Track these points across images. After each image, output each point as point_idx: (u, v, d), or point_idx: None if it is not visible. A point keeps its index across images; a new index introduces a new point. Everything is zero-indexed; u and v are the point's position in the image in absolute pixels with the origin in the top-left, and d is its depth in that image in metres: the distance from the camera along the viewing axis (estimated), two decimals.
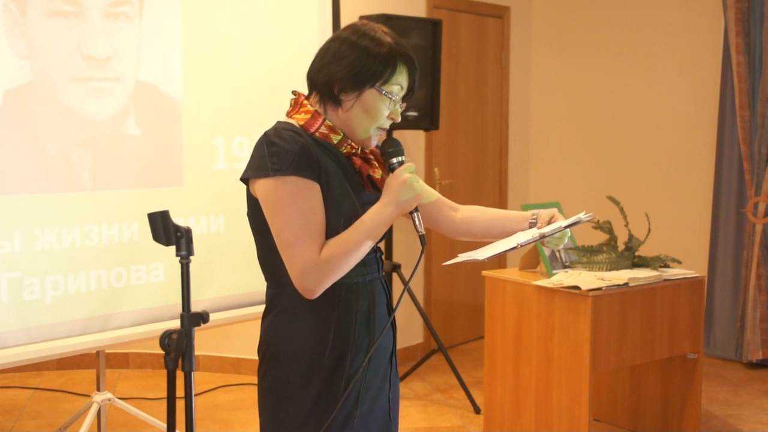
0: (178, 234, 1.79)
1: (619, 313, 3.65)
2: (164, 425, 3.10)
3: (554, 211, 2.03)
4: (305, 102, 1.95)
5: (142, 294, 3.56)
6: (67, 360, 4.98)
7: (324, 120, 1.91)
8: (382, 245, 2.05)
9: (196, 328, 1.83)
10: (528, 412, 3.80)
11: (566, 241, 2.01)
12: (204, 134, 3.74)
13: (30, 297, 3.25)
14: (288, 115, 1.96)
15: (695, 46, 5.73)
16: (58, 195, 3.34)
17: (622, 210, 3.97)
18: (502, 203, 6.31)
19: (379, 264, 2.00)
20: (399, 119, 1.95)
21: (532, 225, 2.02)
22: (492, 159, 6.26)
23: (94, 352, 3.73)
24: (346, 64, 1.88)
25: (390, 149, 1.92)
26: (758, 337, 5.33)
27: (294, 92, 1.99)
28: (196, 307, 1.82)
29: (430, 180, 5.67)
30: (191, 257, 1.85)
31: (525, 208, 3.95)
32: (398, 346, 6.12)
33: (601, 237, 4.02)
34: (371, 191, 1.96)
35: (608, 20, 6.14)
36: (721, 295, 5.55)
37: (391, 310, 2.01)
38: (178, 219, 1.95)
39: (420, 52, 4.94)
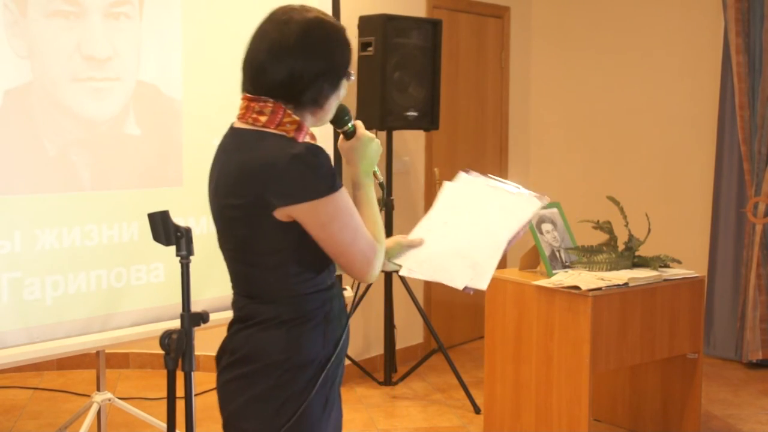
0: (178, 234, 1.79)
1: (619, 313, 3.65)
2: (164, 425, 3.10)
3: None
4: (287, 111, 1.88)
5: (142, 294, 3.56)
6: (67, 360, 4.97)
7: (307, 129, 1.91)
8: None
9: (196, 328, 1.83)
10: (528, 412, 3.80)
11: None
12: (204, 134, 3.73)
13: (30, 297, 3.25)
14: (269, 125, 1.87)
15: (695, 46, 5.73)
16: (58, 195, 3.34)
17: (622, 210, 3.97)
18: None
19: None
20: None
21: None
22: (492, 159, 6.26)
23: (94, 352, 3.73)
24: (334, 62, 1.90)
25: (345, 116, 1.98)
26: (758, 337, 5.33)
27: (262, 99, 1.88)
28: (196, 307, 1.83)
29: (430, 180, 5.67)
30: (191, 257, 1.85)
31: None
32: (398, 346, 6.09)
33: (601, 237, 4.02)
34: None
35: (608, 20, 6.14)
36: (721, 295, 5.55)
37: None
38: (178, 219, 1.94)
39: (420, 52, 4.94)
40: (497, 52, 6.23)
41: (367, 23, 4.82)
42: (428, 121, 5.02)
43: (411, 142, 5.52)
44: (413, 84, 4.91)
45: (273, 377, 1.91)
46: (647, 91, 5.96)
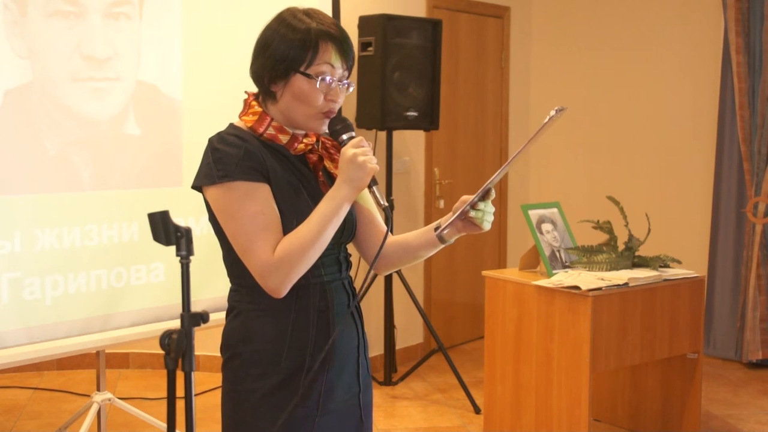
0: (178, 234, 1.78)
1: (619, 313, 3.65)
2: (164, 425, 3.10)
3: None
4: (253, 103, 1.91)
5: (142, 294, 3.56)
6: (67, 360, 4.98)
7: (271, 120, 1.88)
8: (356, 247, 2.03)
9: (196, 328, 1.82)
10: (528, 412, 3.80)
11: (490, 218, 1.89)
12: (204, 134, 3.72)
13: (30, 297, 3.25)
14: (239, 116, 1.93)
15: (695, 46, 5.73)
16: (58, 195, 3.34)
17: (622, 210, 3.97)
18: (502, 203, 6.32)
19: (342, 265, 1.95)
20: (339, 99, 1.88)
21: (437, 229, 1.94)
22: (492, 159, 6.26)
23: (94, 352, 3.73)
24: (269, 54, 1.85)
25: (338, 126, 1.87)
26: (758, 337, 5.33)
27: (246, 92, 1.96)
28: (196, 307, 1.82)
29: (430, 180, 5.67)
30: (191, 257, 1.85)
31: (525, 208, 3.96)
32: (398, 346, 6.09)
33: (601, 237, 4.02)
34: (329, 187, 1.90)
35: (608, 20, 6.14)
36: (721, 295, 5.55)
37: (353, 311, 1.97)
38: (178, 219, 1.95)
39: (420, 52, 4.94)
40: (497, 52, 6.23)
41: (367, 23, 4.82)
42: (428, 121, 5.02)
43: (411, 142, 5.52)
44: (413, 84, 4.91)
45: (229, 370, 1.91)
46: (647, 91, 5.96)
